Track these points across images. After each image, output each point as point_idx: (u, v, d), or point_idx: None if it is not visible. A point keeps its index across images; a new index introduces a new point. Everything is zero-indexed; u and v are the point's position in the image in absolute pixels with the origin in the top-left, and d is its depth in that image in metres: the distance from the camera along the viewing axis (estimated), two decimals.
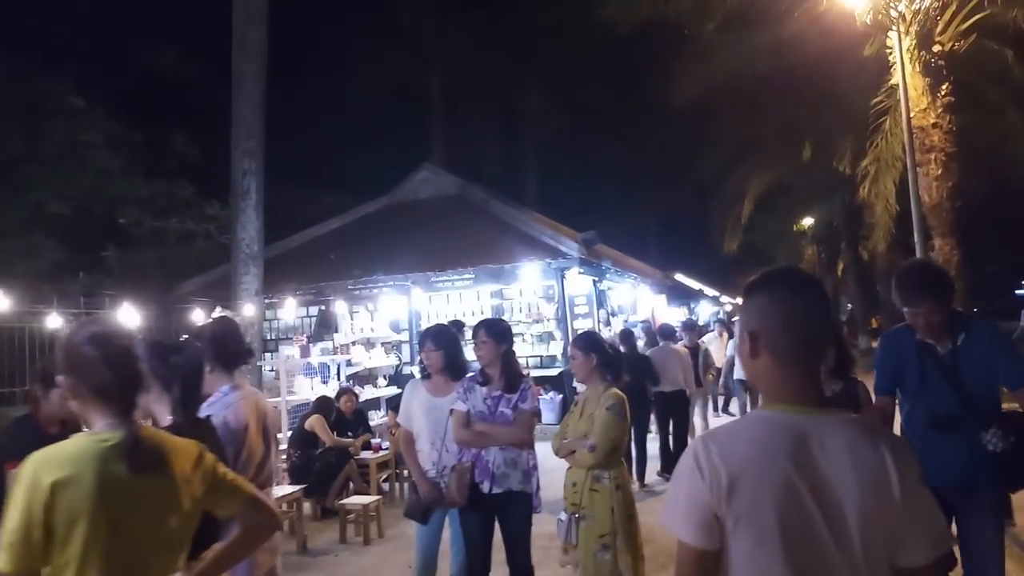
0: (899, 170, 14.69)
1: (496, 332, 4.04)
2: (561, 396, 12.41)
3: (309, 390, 10.78)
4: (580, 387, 12.52)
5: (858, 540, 1.39)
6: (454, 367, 4.21)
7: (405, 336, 13.54)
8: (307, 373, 11.96)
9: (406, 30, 24.53)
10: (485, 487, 3.85)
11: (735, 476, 1.41)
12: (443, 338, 4.26)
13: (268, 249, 15.26)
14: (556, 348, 12.79)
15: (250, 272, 13.95)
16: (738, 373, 10.70)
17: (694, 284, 28.15)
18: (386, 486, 8.51)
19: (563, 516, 3.78)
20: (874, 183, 15.26)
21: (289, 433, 8.47)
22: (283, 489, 6.49)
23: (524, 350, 13.04)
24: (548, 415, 12.21)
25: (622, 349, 8.70)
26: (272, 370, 12.49)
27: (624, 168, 32.61)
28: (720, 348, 12.20)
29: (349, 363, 12.01)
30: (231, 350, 3.23)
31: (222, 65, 14.84)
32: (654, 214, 37.44)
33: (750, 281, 1.57)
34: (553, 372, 12.62)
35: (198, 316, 14.47)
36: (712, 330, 13.87)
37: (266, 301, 14.14)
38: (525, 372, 4.26)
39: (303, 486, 6.97)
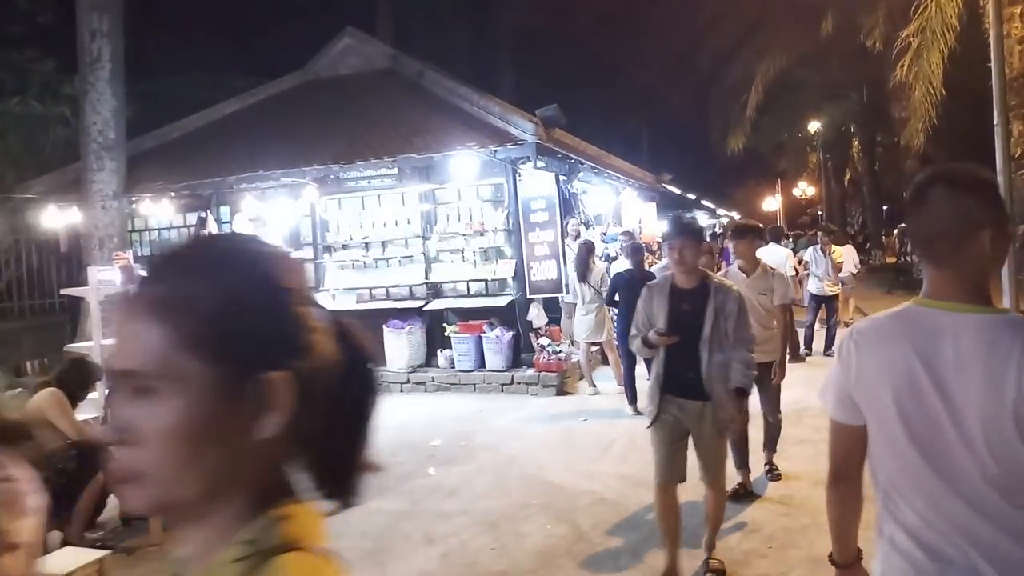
0: (949, 42, 11.31)
1: None
2: (512, 333, 9.29)
3: None
4: (574, 300, 9.50)
5: (981, 436, 1.39)
6: None
7: (307, 254, 10.25)
8: None
9: None
10: None
11: (864, 363, 1.54)
12: None
13: (142, 140, 11.85)
14: (505, 269, 9.54)
15: (104, 168, 10.59)
16: None
17: (690, 194, 24.93)
18: None
19: None
20: (915, 60, 11.88)
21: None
22: None
23: (464, 272, 9.82)
24: (495, 359, 9.14)
25: (629, 265, 7.75)
26: None
27: (612, 60, 28.78)
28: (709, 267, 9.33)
29: None
30: None
31: None
32: (646, 116, 33.82)
33: None
34: (501, 302, 9.42)
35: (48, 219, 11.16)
36: None
37: (133, 205, 10.88)
38: None
39: None
